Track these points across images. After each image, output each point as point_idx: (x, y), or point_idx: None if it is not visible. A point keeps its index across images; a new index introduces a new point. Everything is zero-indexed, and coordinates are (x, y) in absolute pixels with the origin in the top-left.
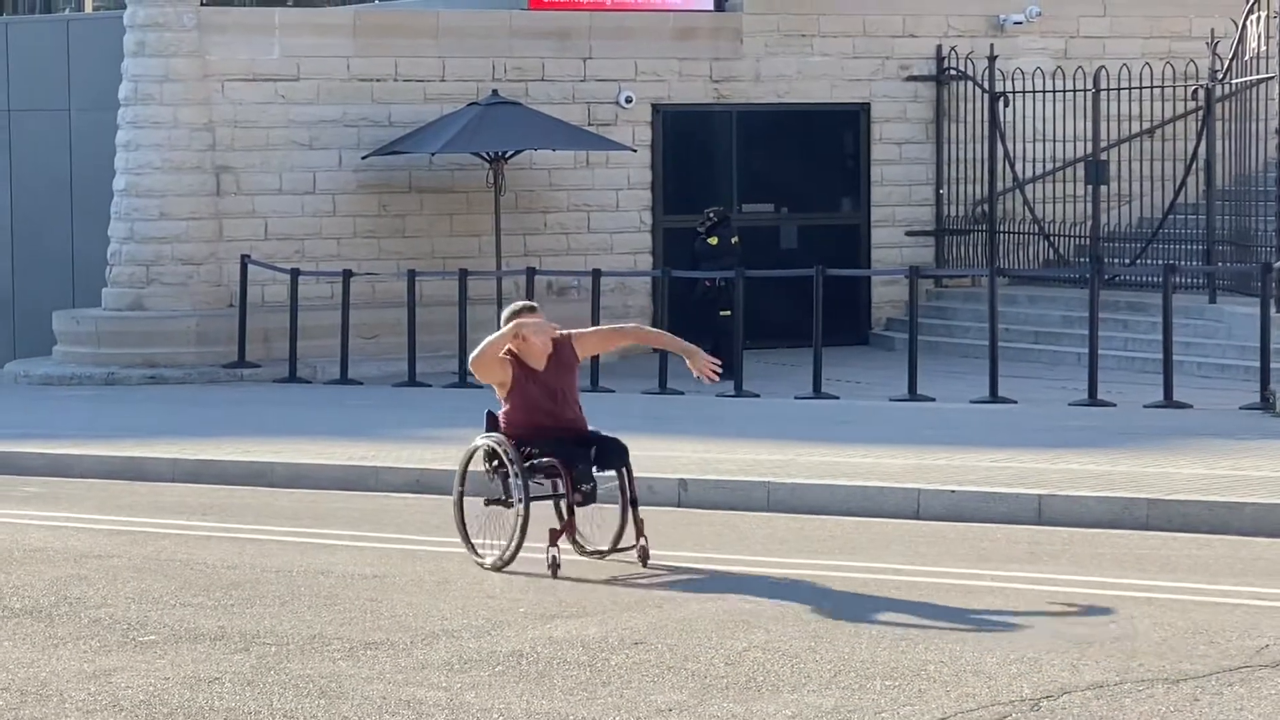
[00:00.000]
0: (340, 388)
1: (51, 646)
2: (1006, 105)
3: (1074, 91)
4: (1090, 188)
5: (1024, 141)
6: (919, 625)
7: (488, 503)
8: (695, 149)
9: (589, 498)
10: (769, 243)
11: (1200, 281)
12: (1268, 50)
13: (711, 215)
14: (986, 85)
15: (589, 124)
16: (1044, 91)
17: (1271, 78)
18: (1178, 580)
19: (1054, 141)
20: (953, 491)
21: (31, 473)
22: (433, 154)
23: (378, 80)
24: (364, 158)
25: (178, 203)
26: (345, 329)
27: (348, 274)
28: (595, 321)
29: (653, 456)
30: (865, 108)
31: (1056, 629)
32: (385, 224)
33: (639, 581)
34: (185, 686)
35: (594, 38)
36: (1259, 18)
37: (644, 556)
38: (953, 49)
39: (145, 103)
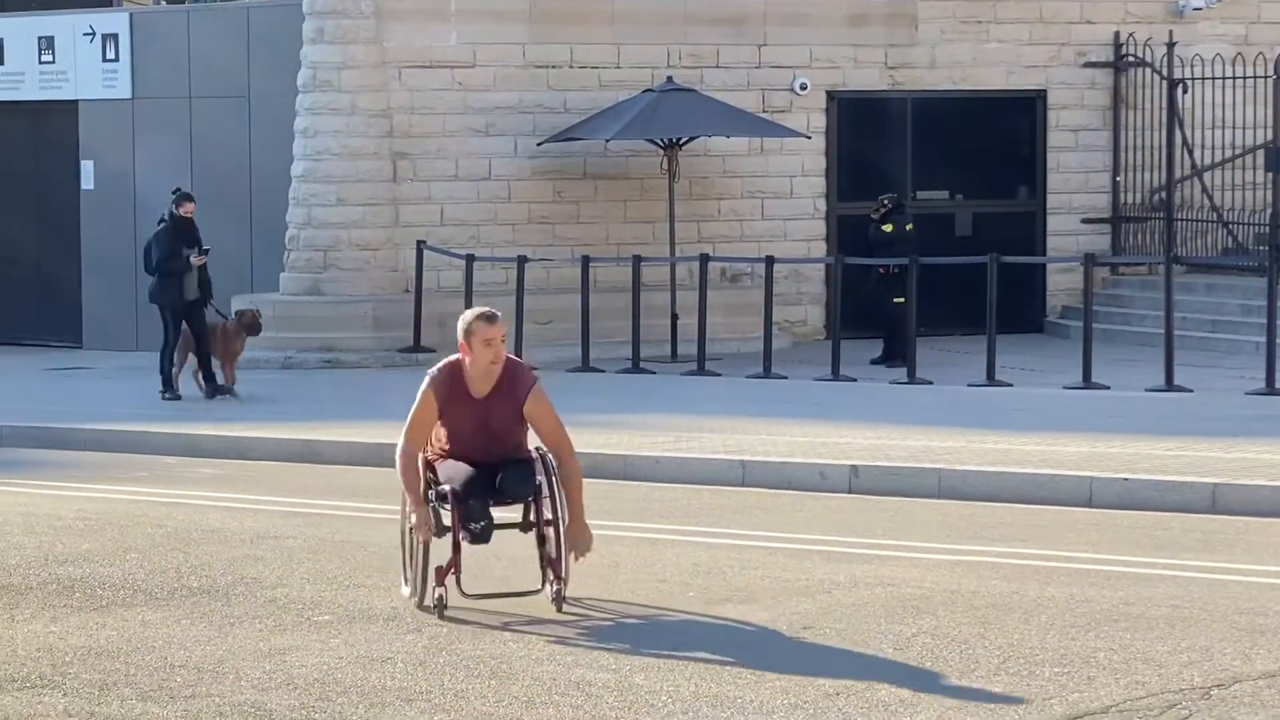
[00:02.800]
0: None
1: (228, 625)
2: (1185, 92)
3: (1254, 78)
4: (1270, 175)
5: (1202, 129)
6: (1089, 613)
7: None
8: (870, 136)
9: (479, 538)
10: (943, 230)
11: None
12: None
13: (886, 201)
14: (1165, 72)
15: (763, 110)
16: (1223, 78)
17: None
18: None
19: (1233, 129)
20: (1126, 479)
21: (209, 454)
22: (607, 140)
23: (553, 67)
24: (539, 144)
25: (355, 189)
26: (519, 314)
27: (522, 260)
28: (769, 308)
29: (825, 443)
30: (1041, 94)
31: (1229, 618)
32: (559, 210)
33: (808, 567)
34: (358, 666)
35: (768, 24)
36: None
37: (557, 601)
38: (1130, 35)
39: (323, 89)
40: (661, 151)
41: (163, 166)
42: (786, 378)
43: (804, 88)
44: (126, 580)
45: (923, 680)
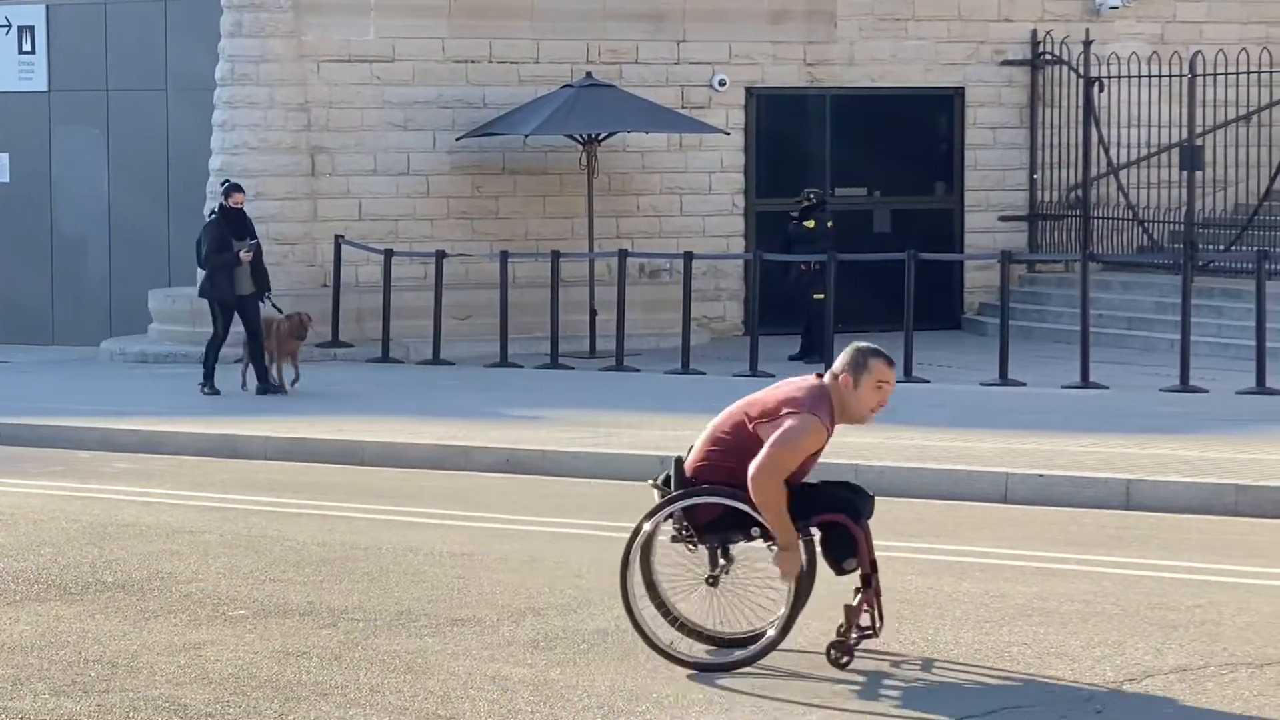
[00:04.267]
0: (432, 368)
1: (143, 620)
2: (1101, 90)
3: (1170, 77)
4: (1185, 173)
5: (1119, 127)
6: (1003, 608)
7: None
8: (788, 132)
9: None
10: (862, 226)
11: None
12: None
13: (811, 196)
14: (1081, 70)
15: (682, 107)
16: (1139, 77)
17: None
18: (1265, 566)
19: (1149, 127)
20: (1041, 475)
21: (125, 449)
22: (526, 136)
23: (472, 62)
24: (458, 139)
25: (273, 183)
26: (438, 310)
27: (441, 255)
28: (688, 304)
29: None
30: (959, 92)
31: (1141, 613)
32: (478, 205)
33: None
34: (274, 660)
35: (688, 20)
36: None
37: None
38: (1048, 33)
39: (241, 83)
40: (580, 147)
41: (80, 159)
42: (705, 374)
43: (723, 84)
44: (40, 575)
45: (836, 676)
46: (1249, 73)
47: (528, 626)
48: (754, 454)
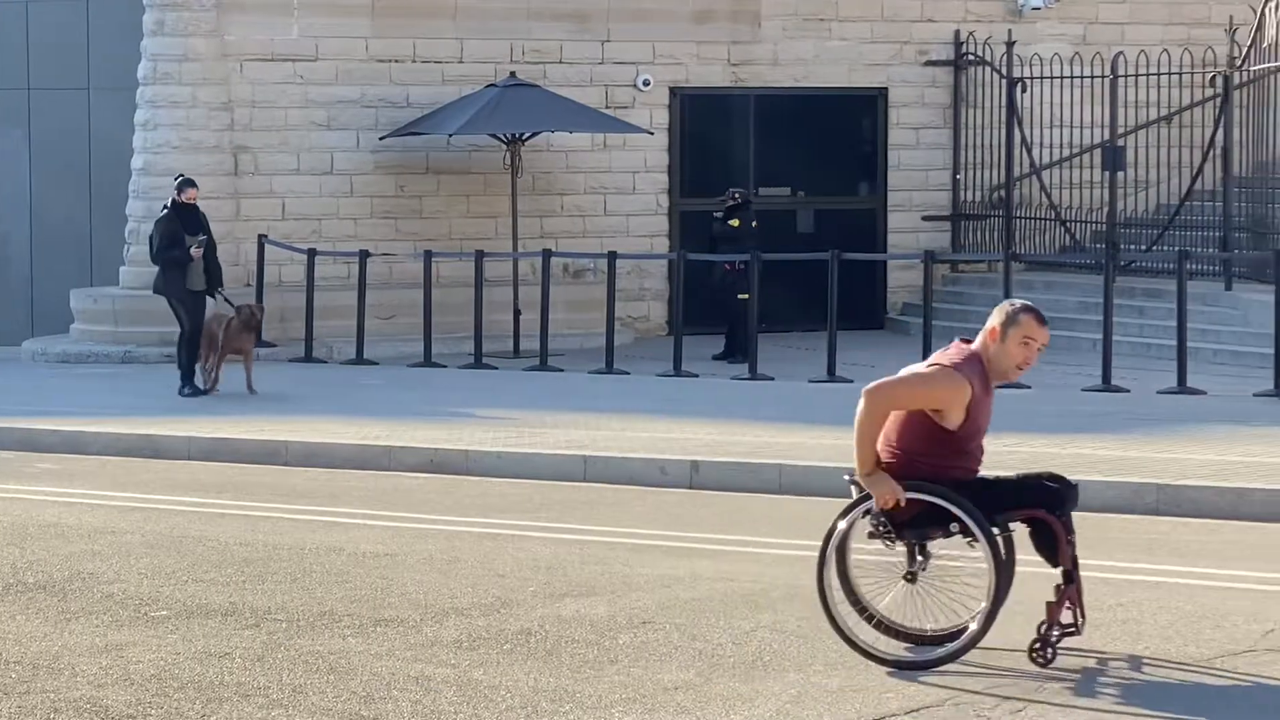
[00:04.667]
0: (356, 368)
1: (64, 621)
2: (1024, 91)
3: (1092, 78)
4: (1107, 174)
5: (1041, 127)
6: None
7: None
8: (712, 132)
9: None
10: (785, 226)
11: (1216, 268)
12: None
13: (735, 196)
14: (1004, 71)
15: (606, 106)
16: (1062, 78)
17: None
18: (1186, 565)
19: (1071, 127)
20: None
21: (46, 449)
22: (450, 135)
23: (396, 61)
24: (381, 139)
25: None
26: (361, 309)
27: (364, 254)
28: (611, 304)
29: (666, 438)
30: (883, 92)
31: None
32: (402, 205)
33: (647, 562)
34: (196, 661)
35: (612, 20)
36: (1277, 4)
37: (1043, 652)
38: (971, 34)
39: (164, 82)
40: (504, 147)
41: (1, 158)
42: (629, 373)
43: (647, 84)
44: None
45: (761, 674)
46: (1170, 74)
47: (451, 626)
48: (935, 437)
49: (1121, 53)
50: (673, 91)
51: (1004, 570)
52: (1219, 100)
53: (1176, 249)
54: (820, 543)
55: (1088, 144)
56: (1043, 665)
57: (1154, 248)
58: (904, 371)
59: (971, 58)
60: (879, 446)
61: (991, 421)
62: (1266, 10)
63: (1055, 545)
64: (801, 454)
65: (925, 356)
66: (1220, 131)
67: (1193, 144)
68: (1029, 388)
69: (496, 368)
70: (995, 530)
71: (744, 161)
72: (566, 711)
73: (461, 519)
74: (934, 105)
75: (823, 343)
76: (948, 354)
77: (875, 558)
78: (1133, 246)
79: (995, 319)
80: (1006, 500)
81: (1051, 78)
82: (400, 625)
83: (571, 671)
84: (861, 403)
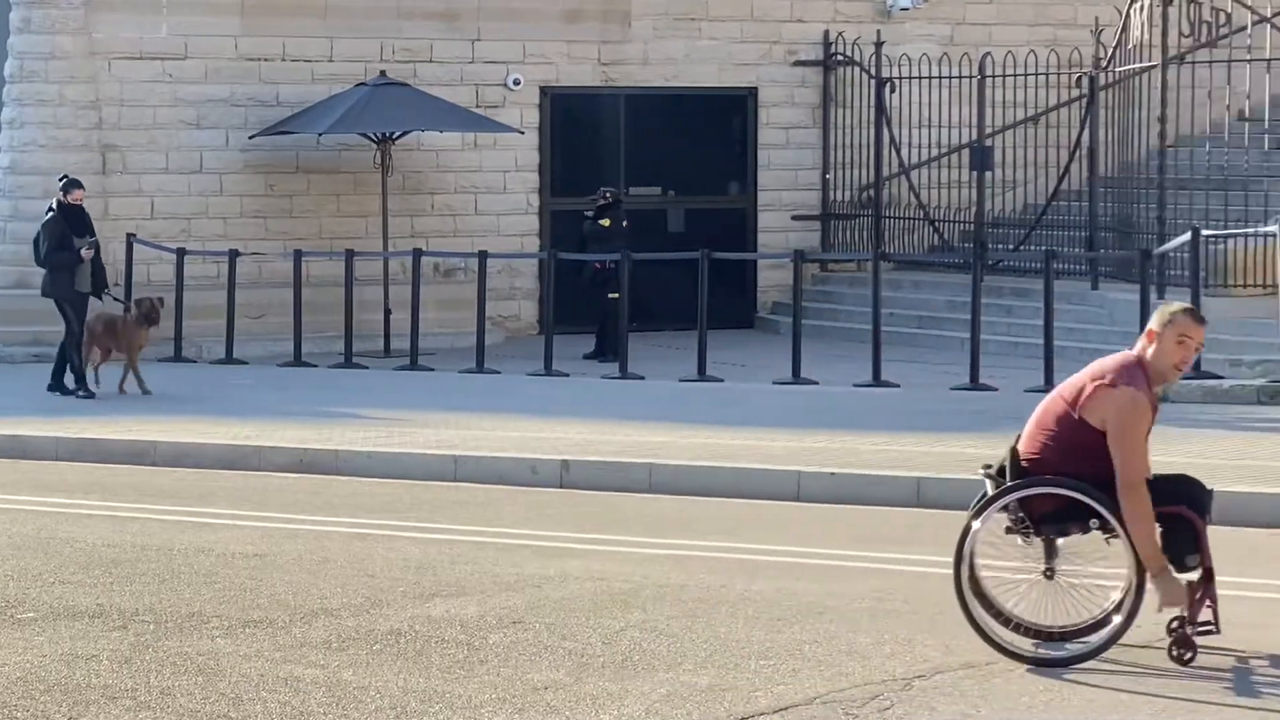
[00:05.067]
0: (225, 367)
1: None
2: (893, 91)
3: (960, 78)
4: (975, 174)
5: (910, 127)
6: (795, 606)
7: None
8: (583, 131)
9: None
10: (656, 225)
11: (1083, 268)
12: (1150, 39)
13: (606, 195)
14: (873, 71)
15: (477, 106)
16: (930, 78)
17: (1154, 66)
18: None
19: (940, 127)
20: (832, 474)
21: None
22: (320, 134)
23: (265, 60)
24: (251, 138)
25: None
26: (231, 309)
27: (234, 254)
28: (482, 304)
29: (537, 438)
30: (753, 92)
31: (930, 610)
32: (272, 204)
33: (518, 562)
34: (62, 663)
35: (482, 19)
36: (1142, 6)
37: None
38: (840, 34)
39: (30, 80)
40: (375, 146)
41: None
42: (500, 373)
43: (517, 83)
44: None
45: (630, 674)
46: (1037, 74)
47: (320, 627)
48: (1083, 444)
49: (989, 53)
50: (543, 91)
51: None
52: (1085, 101)
53: (1043, 248)
54: (958, 541)
55: (956, 144)
56: (1184, 663)
57: (1021, 247)
58: (1111, 435)
59: (841, 58)
60: (1031, 436)
61: (860, 421)
62: (1131, 11)
63: (1196, 543)
64: (672, 453)
65: (795, 355)
66: (1086, 132)
67: (1059, 144)
68: (897, 386)
69: (367, 367)
70: None
71: (615, 161)
72: (436, 712)
73: (331, 519)
74: (803, 105)
75: (693, 342)
76: (1114, 366)
77: (1007, 554)
78: (1000, 246)
79: (1153, 321)
80: (1151, 498)
81: (920, 78)
82: (269, 626)
83: (441, 672)
84: (1125, 501)
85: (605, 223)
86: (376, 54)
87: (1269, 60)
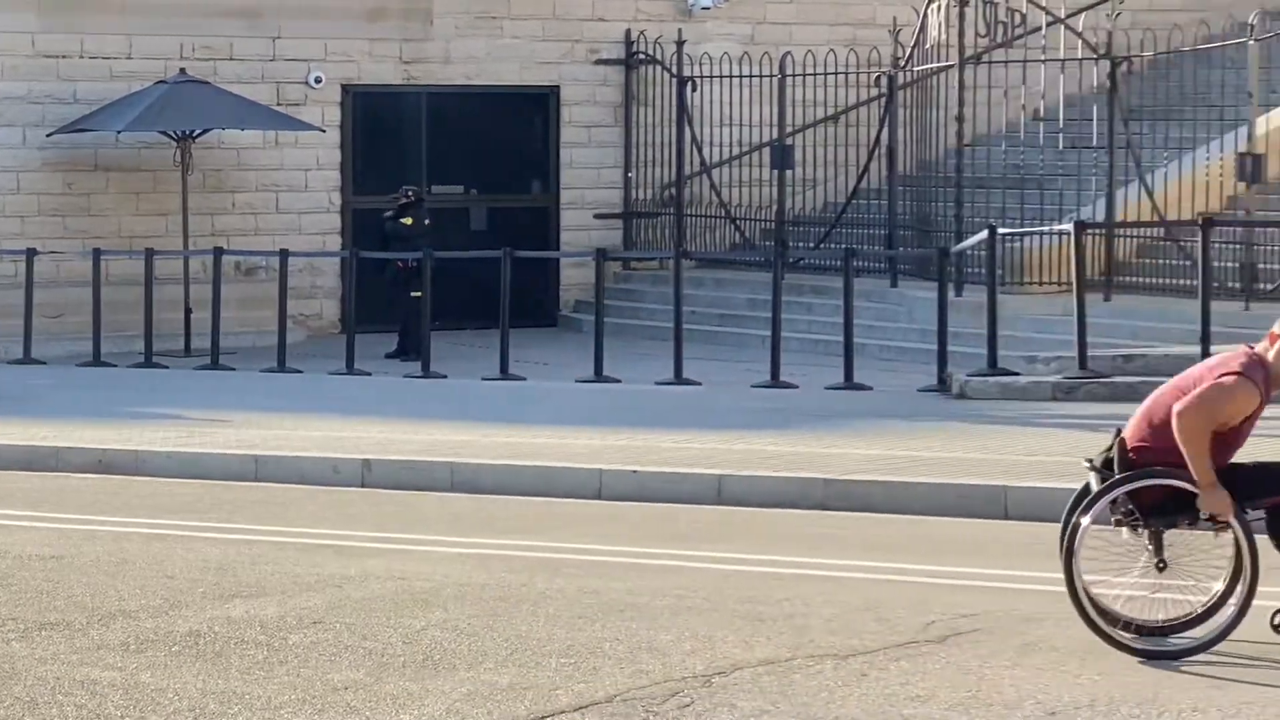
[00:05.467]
0: (23, 367)
1: None
2: (694, 90)
3: (760, 77)
4: (776, 172)
5: (711, 126)
6: (596, 604)
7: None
8: (385, 130)
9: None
10: (459, 224)
11: (882, 266)
12: (948, 39)
13: (408, 194)
14: (674, 70)
15: (278, 104)
16: (731, 77)
17: (951, 66)
18: (851, 558)
19: (741, 126)
20: (634, 472)
21: None
22: (119, 132)
23: (63, 57)
24: (49, 135)
25: None
26: (29, 308)
27: (31, 253)
28: (284, 302)
29: (338, 437)
30: (555, 90)
31: (731, 606)
32: (70, 202)
33: (318, 562)
34: None
35: (283, 17)
36: (939, 6)
37: None
38: (642, 33)
39: None
40: (175, 144)
41: None
42: (301, 372)
43: (319, 81)
44: None
45: (431, 673)
46: (837, 73)
47: (118, 629)
48: None
49: (789, 53)
50: (345, 89)
51: (1256, 556)
52: (884, 100)
53: (843, 246)
54: (1066, 538)
55: (757, 142)
56: None
57: (822, 245)
58: (1205, 384)
59: (642, 56)
60: (1139, 427)
61: (662, 419)
62: (929, 11)
63: None
64: (474, 452)
65: (597, 354)
66: (885, 131)
67: (859, 143)
68: (699, 384)
69: (167, 367)
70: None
71: (417, 159)
72: (235, 714)
73: (131, 520)
74: (605, 104)
75: (496, 341)
76: (1239, 360)
77: (1114, 547)
78: (801, 244)
79: (1277, 324)
80: (1256, 486)
81: (721, 77)
82: (66, 629)
83: (240, 673)
84: (1182, 425)
85: (407, 221)
86: (176, 51)
87: (1063, 60)
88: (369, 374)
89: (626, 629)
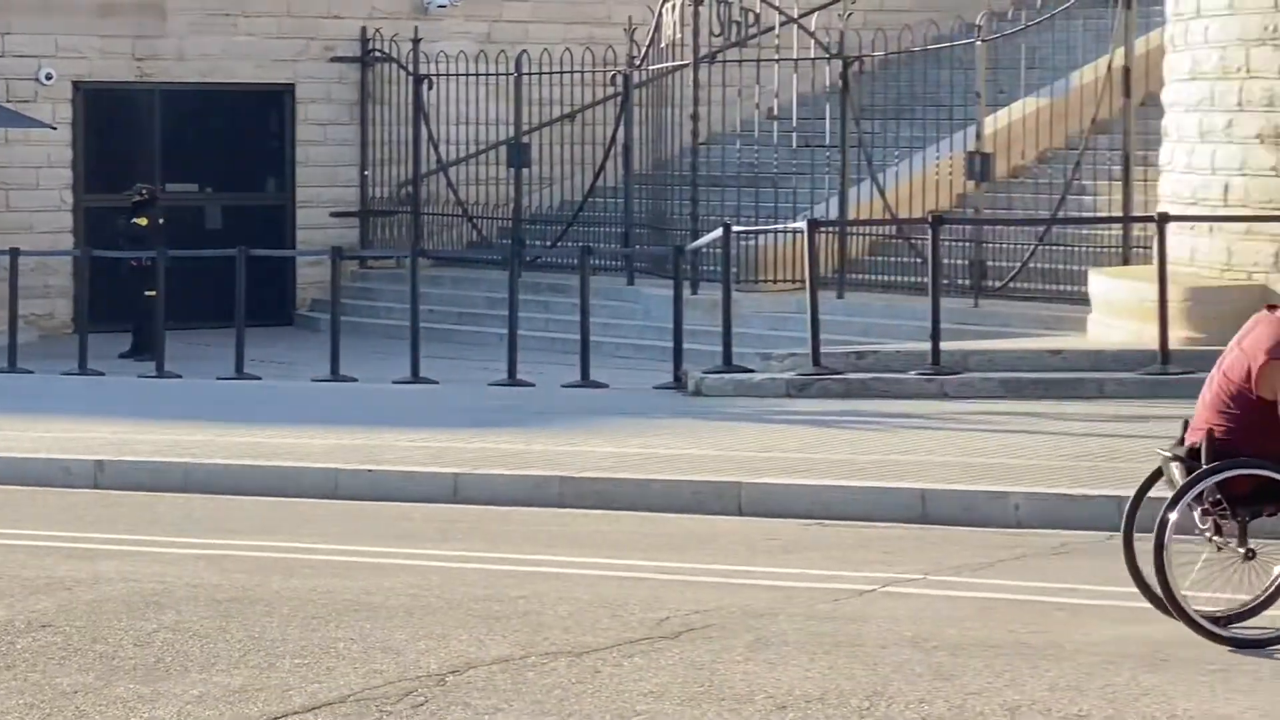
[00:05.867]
0: None
1: None
2: (431, 88)
3: (497, 75)
4: (513, 171)
5: (449, 124)
6: (331, 604)
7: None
8: (118, 128)
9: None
10: (194, 223)
11: (619, 264)
12: (683, 38)
13: (143, 192)
14: (411, 68)
15: (7, 100)
16: (468, 75)
17: (686, 65)
18: (586, 556)
19: (478, 125)
20: (371, 471)
21: None
22: None
23: None
24: None
25: None
26: None
27: None
28: (14, 302)
29: (70, 438)
30: (290, 89)
31: (466, 605)
32: None
33: (48, 565)
34: None
35: (13, 13)
36: (674, 5)
37: None
38: (378, 31)
39: None
40: None
41: None
42: (33, 372)
43: (50, 78)
44: None
45: (163, 675)
46: (573, 72)
47: None
48: (1272, 421)
49: (525, 51)
50: (76, 86)
51: None
52: (620, 99)
53: (580, 245)
54: (1155, 534)
55: (494, 141)
56: None
57: (559, 243)
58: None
59: (379, 54)
60: (1207, 417)
61: (399, 418)
62: (664, 11)
63: None
64: (209, 452)
65: (334, 353)
66: (621, 129)
67: (596, 141)
68: (436, 383)
69: None
70: None
71: (150, 157)
72: None
73: None
74: (341, 102)
75: (232, 340)
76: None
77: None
78: (538, 243)
79: None
80: None
81: (458, 75)
82: None
83: None
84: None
85: (142, 221)
86: None
87: (796, 60)
88: (103, 374)
89: (361, 629)
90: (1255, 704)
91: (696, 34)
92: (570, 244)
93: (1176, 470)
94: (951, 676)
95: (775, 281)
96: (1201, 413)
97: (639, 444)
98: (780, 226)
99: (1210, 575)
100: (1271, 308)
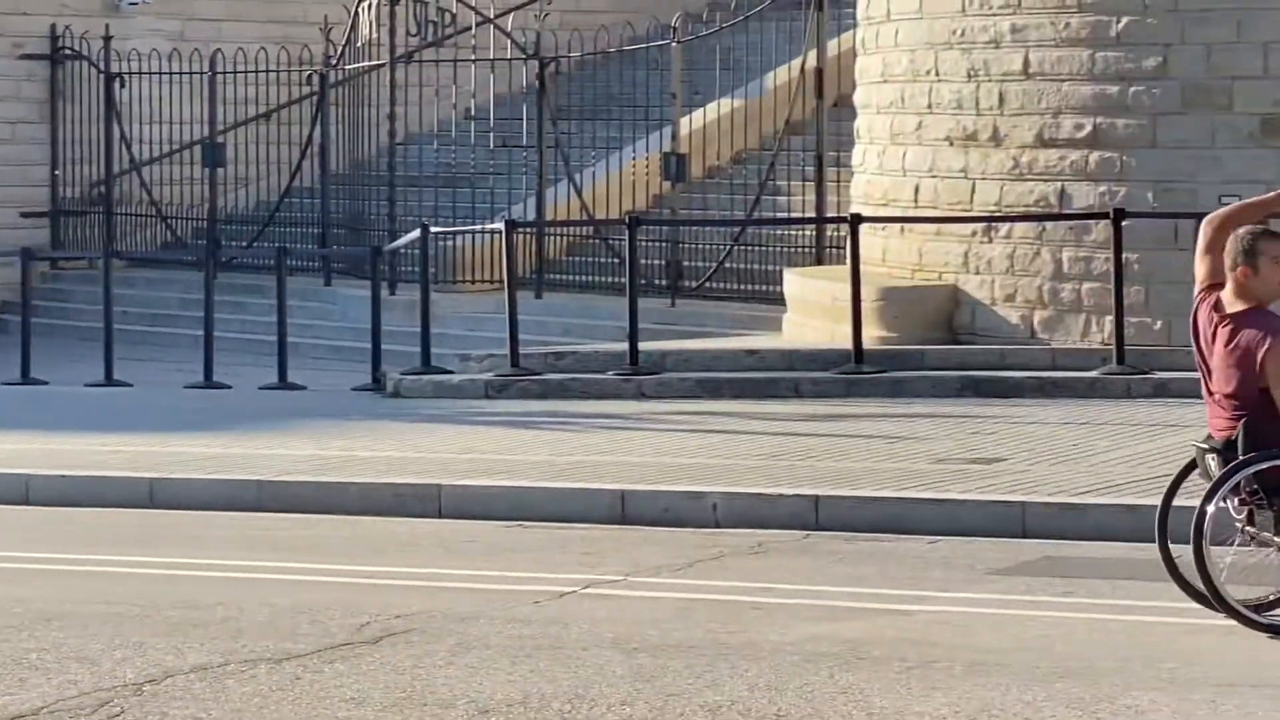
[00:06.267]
0: None
1: None
2: (123, 86)
3: (191, 74)
4: (207, 170)
5: (142, 123)
6: (23, 612)
7: None
8: None
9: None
10: None
11: (316, 265)
12: (379, 38)
13: None
14: (102, 66)
15: None
16: (161, 73)
17: (383, 65)
18: (286, 560)
19: (172, 124)
20: (64, 476)
21: None
22: None
23: None
24: None
25: None
26: None
27: None
28: None
29: None
30: None
31: (164, 612)
32: None
33: None
34: None
35: None
36: (370, 4)
37: None
38: (68, 28)
39: None
40: None
41: None
42: None
43: None
44: None
45: None
46: (268, 71)
47: None
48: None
49: (220, 49)
50: None
51: None
52: (316, 98)
53: (276, 245)
54: (1193, 531)
55: (188, 140)
56: None
57: (254, 244)
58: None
59: (69, 52)
60: (1219, 409)
61: (93, 421)
62: (360, 10)
63: None
64: None
65: (24, 355)
66: (318, 129)
67: (292, 141)
68: (131, 385)
69: None
70: None
71: None
72: None
73: None
74: (31, 100)
75: None
76: (1256, 318)
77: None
78: (234, 243)
79: (1236, 258)
80: None
81: (151, 74)
82: None
83: None
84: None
85: None
86: None
87: (493, 60)
88: None
89: (54, 638)
90: (950, 700)
91: (393, 33)
92: (267, 245)
93: (1213, 462)
94: (653, 678)
95: (474, 282)
96: (1229, 399)
97: (337, 446)
98: (478, 227)
99: (1244, 565)
100: (1212, 288)
